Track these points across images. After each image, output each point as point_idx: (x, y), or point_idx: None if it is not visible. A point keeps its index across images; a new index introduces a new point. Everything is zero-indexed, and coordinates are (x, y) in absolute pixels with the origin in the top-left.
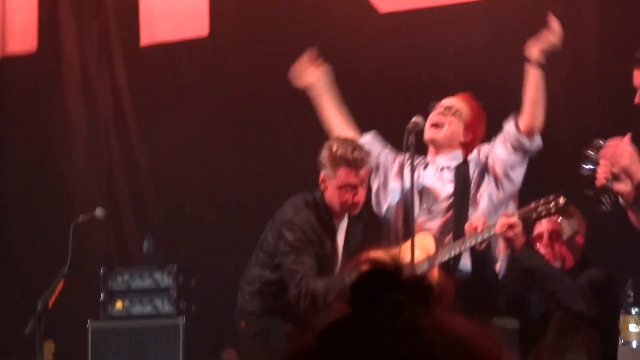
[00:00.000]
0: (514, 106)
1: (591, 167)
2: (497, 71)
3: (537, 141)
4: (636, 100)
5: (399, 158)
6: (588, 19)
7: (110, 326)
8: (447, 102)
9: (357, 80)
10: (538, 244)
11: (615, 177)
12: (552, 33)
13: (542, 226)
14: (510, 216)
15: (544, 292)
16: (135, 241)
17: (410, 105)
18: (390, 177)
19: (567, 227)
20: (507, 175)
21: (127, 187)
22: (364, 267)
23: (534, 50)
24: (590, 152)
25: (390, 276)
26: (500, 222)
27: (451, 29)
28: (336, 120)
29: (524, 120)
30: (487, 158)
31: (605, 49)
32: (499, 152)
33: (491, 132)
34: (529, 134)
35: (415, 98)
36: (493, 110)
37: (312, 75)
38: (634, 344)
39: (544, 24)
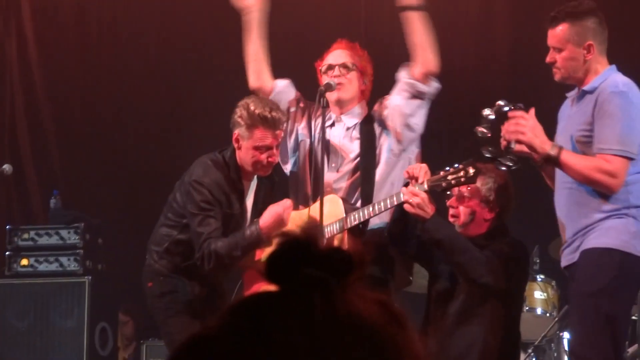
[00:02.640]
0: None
1: (485, 130)
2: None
3: (434, 84)
4: (547, 59)
5: (308, 110)
6: None
7: (15, 283)
8: (334, 59)
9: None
10: (448, 203)
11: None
12: None
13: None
14: (418, 185)
15: (450, 263)
16: (39, 198)
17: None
18: (299, 129)
19: (482, 190)
20: (406, 125)
21: (30, 143)
22: (278, 241)
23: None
24: (488, 113)
25: (306, 249)
26: (407, 190)
27: None
28: (258, 55)
29: (417, 67)
30: (385, 110)
31: (517, 12)
32: (396, 101)
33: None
34: (425, 79)
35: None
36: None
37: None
38: (539, 310)
39: None
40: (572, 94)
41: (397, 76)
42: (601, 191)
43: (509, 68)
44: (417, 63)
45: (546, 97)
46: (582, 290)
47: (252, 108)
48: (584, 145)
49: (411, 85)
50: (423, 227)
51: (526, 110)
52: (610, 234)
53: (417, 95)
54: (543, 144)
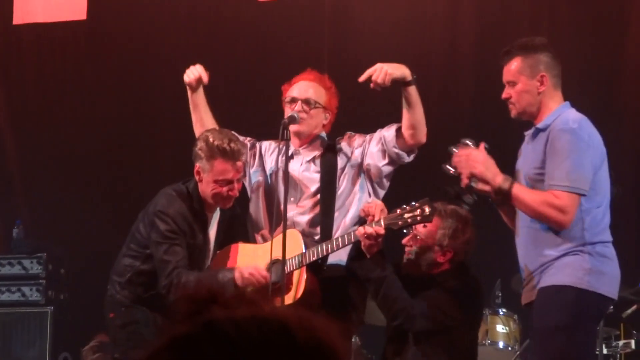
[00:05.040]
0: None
1: (452, 167)
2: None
3: (413, 155)
4: (503, 95)
5: (254, 150)
6: (466, 20)
7: None
8: (299, 93)
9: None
10: (404, 241)
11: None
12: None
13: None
14: (375, 224)
15: (375, 302)
16: (1, 228)
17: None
18: (251, 173)
19: (437, 234)
20: (380, 183)
21: None
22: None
23: (398, 73)
24: (454, 150)
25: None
26: (363, 230)
27: None
28: (208, 117)
29: (408, 139)
30: (362, 158)
31: (481, 51)
32: (376, 161)
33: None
34: (410, 151)
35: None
36: None
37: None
38: (500, 344)
39: None
40: (529, 132)
41: (383, 133)
42: (553, 227)
43: (472, 106)
44: (407, 135)
45: (512, 131)
46: (540, 327)
47: (211, 140)
48: (537, 182)
49: (397, 155)
50: (361, 264)
51: (487, 147)
52: (565, 271)
53: (396, 162)
54: (495, 176)
